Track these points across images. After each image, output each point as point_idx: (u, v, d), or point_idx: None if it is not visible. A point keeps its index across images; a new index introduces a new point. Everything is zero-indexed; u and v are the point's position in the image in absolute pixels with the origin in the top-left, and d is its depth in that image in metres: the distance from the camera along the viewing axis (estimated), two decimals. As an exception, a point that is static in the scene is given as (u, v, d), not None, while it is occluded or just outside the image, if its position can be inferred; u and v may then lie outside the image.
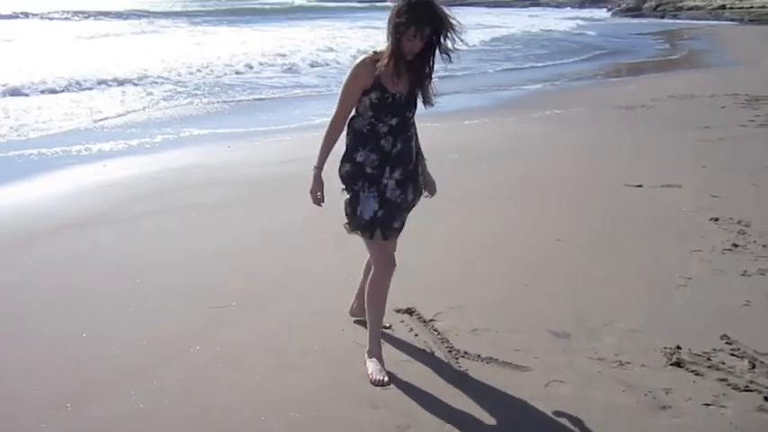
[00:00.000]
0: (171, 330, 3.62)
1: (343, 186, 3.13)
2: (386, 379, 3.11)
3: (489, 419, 2.87)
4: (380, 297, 3.16)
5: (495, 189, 6.33)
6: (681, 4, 55.98)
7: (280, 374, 3.19)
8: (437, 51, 2.91)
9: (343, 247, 4.42)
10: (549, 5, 79.28)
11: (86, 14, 36.52)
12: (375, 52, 2.98)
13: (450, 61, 2.95)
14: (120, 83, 13.55)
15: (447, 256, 4.68)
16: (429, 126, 8.74)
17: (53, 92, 12.37)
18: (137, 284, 4.20)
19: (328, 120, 3.09)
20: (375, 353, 3.23)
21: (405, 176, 3.10)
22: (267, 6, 54.78)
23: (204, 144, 8.55)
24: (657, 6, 57.92)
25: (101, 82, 13.41)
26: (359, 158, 3.05)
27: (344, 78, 3.00)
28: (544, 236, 5.02)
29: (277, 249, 4.85)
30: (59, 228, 5.23)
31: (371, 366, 3.18)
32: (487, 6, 78.74)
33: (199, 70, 15.49)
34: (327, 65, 17.33)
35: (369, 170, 3.04)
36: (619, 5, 65.28)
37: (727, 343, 3.43)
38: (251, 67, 16.40)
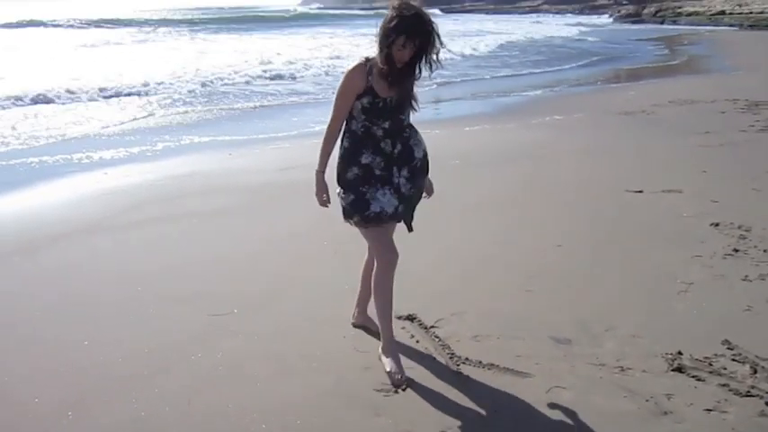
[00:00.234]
0: (172, 337, 3.62)
1: (343, 189, 3.17)
2: (402, 378, 3.14)
3: (491, 426, 2.86)
4: (388, 289, 3.22)
5: (496, 195, 6.34)
6: (680, 10, 56.14)
7: (281, 381, 3.19)
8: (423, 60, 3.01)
9: (343, 254, 4.43)
10: (549, 12, 79.55)
11: (88, 23, 36.61)
12: (367, 59, 3.06)
13: (431, 71, 3.06)
14: (121, 91, 13.60)
15: (448, 263, 4.68)
16: (429, 133, 8.81)
17: (52, 102, 12.37)
18: (138, 292, 4.21)
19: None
20: (391, 350, 3.26)
21: (413, 173, 3.20)
22: (268, 14, 54.98)
23: (204, 151, 8.57)
24: (657, 12, 58.09)
25: (102, 90, 13.46)
26: (364, 161, 3.12)
27: (338, 84, 3.10)
28: (545, 242, 5.02)
29: (277, 256, 4.85)
30: (61, 235, 5.24)
31: (388, 363, 3.22)
32: (487, 13, 79.09)
33: (200, 78, 15.51)
34: (327, 74, 17.31)
35: (378, 172, 3.12)
36: (618, 11, 65.52)
37: (728, 348, 3.43)
38: (251, 76, 16.43)
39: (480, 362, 3.33)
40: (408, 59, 2.97)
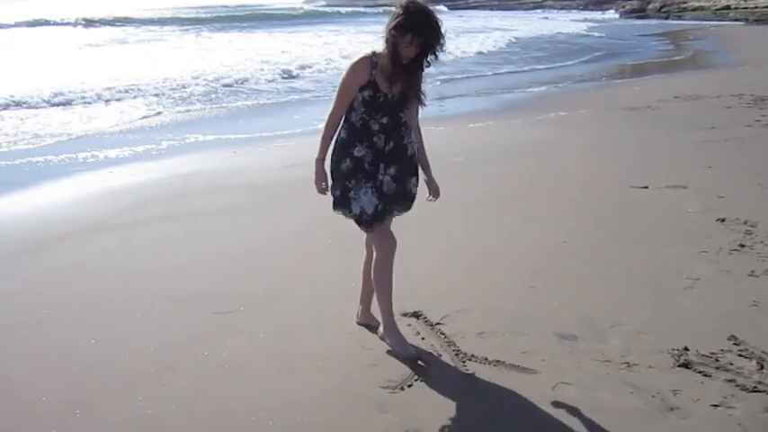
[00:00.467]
0: (178, 336, 3.63)
1: (333, 180, 3.23)
2: (414, 352, 3.25)
3: (497, 422, 2.86)
4: (388, 276, 3.30)
5: (501, 192, 6.33)
6: (685, 5, 55.89)
7: (286, 379, 3.20)
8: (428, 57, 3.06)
9: (347, 252, 4.42)
10: (553, 8, 79.28)
11: (91, 22, 36.66)
12: (374, 52, 3.09)
13: (429, 65, 3.10)
14: (125, 90, 13.59)
15: (453, 260, 4.68)
16: (434, 129, 8.81)
17: (62, 102, 12.34)
18: (143, 290, 4.22)
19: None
20: (391, 325, 3.36)
21: (400, 172, 3.22)
22: (276, 12, 54.92)
23: (209, 150, 8.58)
24: (662, 7, 57.84)
25: (106, 89, 13.45)
26: (357, 153, 3.16)
27: (342, 74, 3.15)
28: (550, 238, 5.02)
29: (282, 254, 4.86)
30: (66, 234, 5.26)
31: (392, 342, 3.32)
32: (491, 9, 78.83)
33: (204, 77, 15.51)
34: (332, 69, 17.30)
35: (366, 166, 3.17)
36: (623, 6, 65.27)
37: (734, 344, 3.42)
38: (255, 74, 16.41)
39: (486, 358, 3.33)
40: (414, 56, 3.01)
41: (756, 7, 46.78)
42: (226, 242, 5.12)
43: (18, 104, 11.91)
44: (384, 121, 3.14)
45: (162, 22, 39.72)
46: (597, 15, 59.11)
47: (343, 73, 3.14)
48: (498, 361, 3.31)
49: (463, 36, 27.88)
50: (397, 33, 2.94)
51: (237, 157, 8.11)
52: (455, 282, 4.29)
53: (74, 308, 4.01)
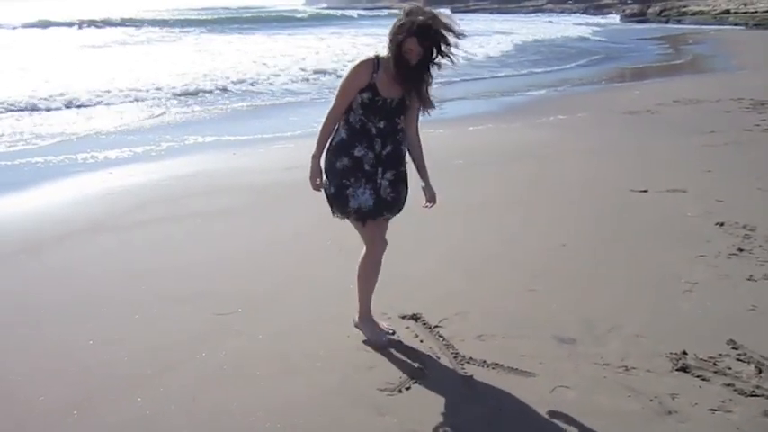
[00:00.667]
0: (177, 337, 3.63)
1: (329, 178, 3.25)
2: (386, 340, 3.37)
3: (495, 425, 2.87)
4: (373, 275, 3.42)
5: (501, 195, 6.34)
6: (685, 9, 56.06)
7: (285, 380, 3.20)
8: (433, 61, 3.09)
9: (347, 253, 4.42)
10: (553, 11, 79.46)
11: (90, 23, 36.65)
12: (377, 56, 3.12)
13: (439, 68, 3.13)
14: (125, 92, 13.58)
15: (452, 262, 4.68)
16: (434, 132, 8.83)
17: (63, 105, 12.29)
18: (143, 291, 4.22)
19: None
20: (366, 314, 3.48)
21: (396, 177, 3.26)
22: (274, 14, 54.97)
23: (208, 151, 8.58)
24: (662, 12, 58.01)
25: (105, 92, 13.43)
26: (357, 153, 3.18)
27: (344, 75, 3.17)
28: (549, 241, 5.02)
29: (282, 256, 4.86)
30: (66, 235, 5.26)
31: (366, 329, 3.44)
32: (491, 13, 78.99)
33: (203, 78, 15.52)
34: (330, 73, 17.28)
35: (366, 167, 3.18)
36: (623, 10, 65.42)
37: (733, 348, 3.42)
38: (258, 76, 16.39)
39: (485, 361, 3.33)
40: (417, 62, 3.02)
41: (756, 12, 46.89)
42: (225, 243, 5.12)
43: (17, 106, 11.85)
44: (381, 125, 3.16)
45: (162, 23, 39.73)
46: (600, 20, 59.31)
47: (345, 74, 3.17)
48: (497, 364, 3.31)
49: (468, 40, 27.93)
50: (400, 37, 2.96)
51: (237, 158, 8.11)
52: (454, 284, 4.30)
53: (73, 308, 4.01)
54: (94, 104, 12.45)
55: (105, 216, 5.75)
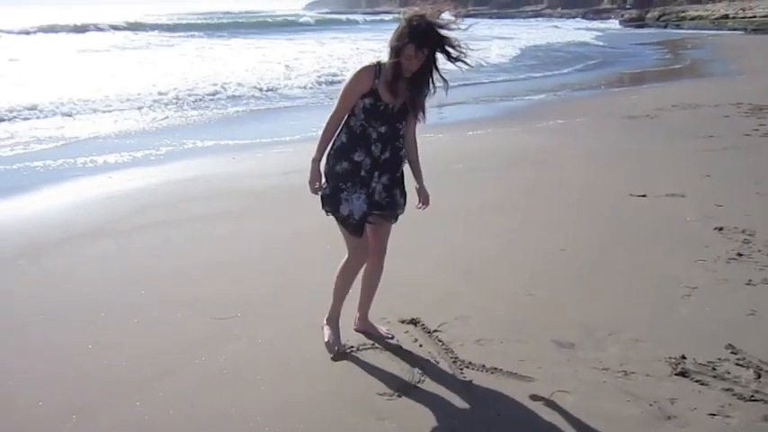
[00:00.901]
0: (176, 341, 3.63)
1: (327, 179, 3.25)
2: (340, 349, 3.38)
3: (494, 430, 2.86)
4: (350, 280, 3.44)
5: (500, 199, 6.34)
6: (684, 14, 56.16)
7: (284, 384, 3.20)
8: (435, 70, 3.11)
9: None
10: (552, 16, 79.65)
11: (90, 28, 36.68)
12: (379, 63, 3.13)
13: (446, 82, 3.17)
14: (124, 96, 13.60)
15: (451, 267, 4.68)
16: (433, 137, 8.84)
17: (65, 112, 12.26)
18: (142, 295, 4.22)
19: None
20: (333, 319, 3.50)
21: (391, 182, 3.27)
22: (271, 20, 55.02)
23: (207, 156, 8.59)
24: (660, 17, 58.14)
25: (105, 97, 13.44)
26: (357, 158, 3.19)
27: (346, 80, 3.19)
28: (548, 246, 5.02)
29: (281, 260, 4.86)
30: (65, 239, 5.26)
31: (327, 333, 3.46)
32: (490, 18, 79.13)
33: (204, 83, 15.54)
34: (330, 80, 17.29)
35: (363, 173, 3.19)
36: (622, 15, 65.55)
37: (732, 353, 3.42)
38: (259, 83, 16.42)
39: (484, 366, 3.33)
40: (418, 69, 3.03)
41: (755, 17, 47.01)
42: (225, 247, 5.12)
43: (17, 111, 11.82)
44: (382, 130, 3.16)
45: (164, 28, 39.77)
46: (600, 25, 59.55)
47: (347, 79, 3.18)
48: (496, 368, 3.31)
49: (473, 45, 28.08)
50: (399, 45, 2.96)
51: (236, 162, 8.12)
52: (453, 289, 4.30)
53: (72, 312, 4.01)
54: (94, 110, 12.44)
55: (105, 220, 5.75)
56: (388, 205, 3.28)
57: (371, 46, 26.96)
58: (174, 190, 6.78)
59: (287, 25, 48.98)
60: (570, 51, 28.27)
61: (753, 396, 3.03)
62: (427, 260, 4.70)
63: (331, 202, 3.23)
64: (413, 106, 3.16)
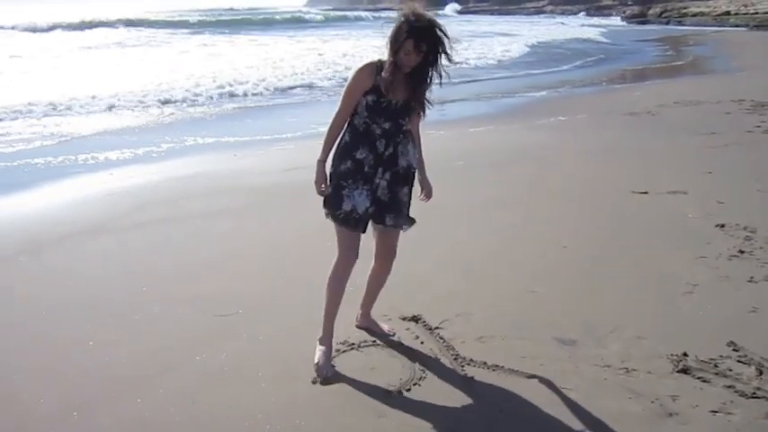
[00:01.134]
0: (177, 338, 3.62)
1: (331, 180, 3.24)
2: (328, 375, 3.21)
3: (496, 427, 2.86)
4: (339, 286, 3.32)
5: (501, 196, 6.33)
6: (685, 11, 56.06)
7: (285, 382, 3.19)
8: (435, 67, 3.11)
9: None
10: (553, 13, 79.55)
11: (89, 25, 36.60)
12: (380, 60, 3.13)
13: (442, 79, 3.15)
14: (126, 93, 13.55)
15: (453, 264, 4.68)
16: (434, 133, 8.83)
17: (69, 106, 12.21)
18: (143, 292, 4.22)
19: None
20: (326, 339, 3.35)
21: (395, 178, 3.24)
22: (287, 16, 54.94)
23: (208, 153, 8.58)
24: (662, 13, 58.04)
25: (108, 94, 13.37)
26: (359, 156, 3.18)
27: (348, 79, 3.18)
28: (550, 243, 5.02)
29: (282, 257, 4.86)
30: (66, 236, 5.26)
31: (319, 354, 3.29)
32: (491, 14, 79.03)
33: (205, 80, 15.52)
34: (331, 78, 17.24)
35: (366, 169, 3.18)
36: (624, 12, 65.46)
37: (734, 350, 3.42)
38: (262, 79, 16.39)
39: (485, 363, 3.33)
40: (417, 65, 3.04)
41: (756, 13, 46.90)
42: (226, 245, 5.12)
43: (18, 109, 11.77)
44: (386, 126, 3.16)
45: (165, 25, 39.72)
46: (604, 21, 59.52)
47: (349, 77, 3.18)
48: (497, 365, 3.30)
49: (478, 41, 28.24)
50: (398, 41, 2.97)
51: (237, 159, 8.11)
52: (454, 286, 4.29)
53: (73, 309, 4.01)
54: (94, 106, 12.38)
55: (105, 217, 5.75)
56: (391, 203, 3.25)
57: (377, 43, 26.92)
58: (174, 187, 6.78)
59: (294, 22, 48.90)
60: (577, 48, 28.28)
61: (755, 393, 3.03)
62: (428, 257, 4.69)
63: (333, 201, 3.21)
64: (415, 101, 3.16)
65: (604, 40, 34.80)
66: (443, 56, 3.06)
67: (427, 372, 3.27)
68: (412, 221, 3.36)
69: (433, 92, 3.23)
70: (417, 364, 3.34)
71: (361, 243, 3.29)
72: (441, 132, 9.30)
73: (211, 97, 13.75)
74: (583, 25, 50.65)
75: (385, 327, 3.67)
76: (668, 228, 5.30)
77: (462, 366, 3.31)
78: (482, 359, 3.36)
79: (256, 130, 10.32)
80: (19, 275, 4.58)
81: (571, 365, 3.30)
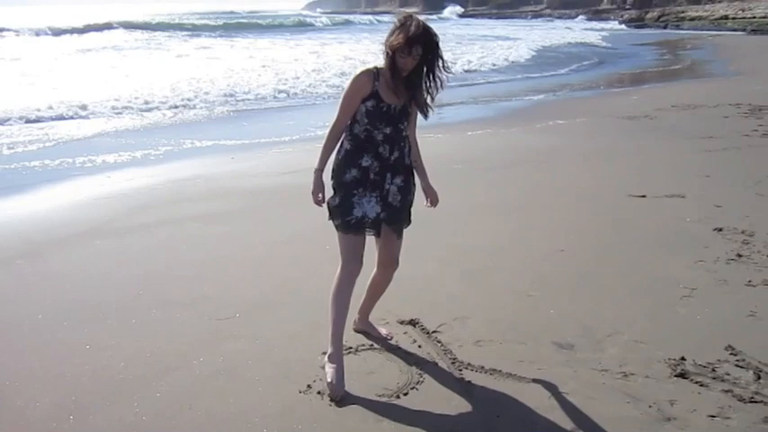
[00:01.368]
0: (174, 341, 3.62)
1: (335, 190, 3.22)
2: (340, 392, 3.08)
3: (493, 431, 2.85)
4: (345, 299, 3.24)
5: (499, 199, 6.33)
6: (683, 15, 56.19)
7: (283, 386, 3.18)
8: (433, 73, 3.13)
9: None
10: (551, 17, 79.74)
11: (88, 28, 36.56)
12: (376, 67, 3.15)
13: (441, 83, 3.16)
14: (124, 96, 13.53)
15: (450, 267, 4.68)
16: (433, 137, 8.84)
17: (68, 108, 12.16)
18: (140, 295, 4.21)
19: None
20: (336, 356, 3.20)
21: (404, 183, 3.25)
22: (292, 18, 54.91)
23: (206, 155, 8.59)
24: (660, 17, 58.18)
25: (108, 97, 13.35)
26: (364, 164, 3.17)
27: (345, 87, 3.18)
28: (548, 246, 5.01)
29: (280, 260, 4.85)
30: (64, 239, 5.25)
31: (331, 373, 3.13)
32: (489, 18, 79.20)
33: (202, 85, 15.51)
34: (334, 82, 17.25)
35: (372, 176, 3.17)
36: (621, 16, 65.62)
37: (731, 354, 3.41)
38: (255, 80, 16.42)
39: (483, 367, 3.32)
40: (413, 68, 3.06)
41: (754, 17, 47.01)
42: (223, 248, 5.11)
43: (17, 112, 11.70)
44: (387, 131, 3.15)
45: (163, 27, 39.70)
46: (604, 25, 59.69)
47: (346, 85, 3.16)
48: (495, 370, 3.30)
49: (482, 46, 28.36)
50: (394, 45, 3.00)
51: (236, 162, 8.11)
52: (452, 290, 4.29)
53: (70, 312, 3.99)
54: (92, 109, 12.35)
55: (103, 220, 5.74)
56: (402, 208, 3.25)
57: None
58: (172, 190, 6.77)
59: (299, 26, 48.97)
60: (581, 52, 28.38)
61: (753, 398, 3.02)
62: (426, 261, 4.69)
63: (342, 210, 3.17)
64: (416, 105, 3.17)
65: (606, 44, 34.90)
66: (440, 60, 3.08)
67: (425, 376, 3.26)
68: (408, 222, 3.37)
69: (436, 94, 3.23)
70: (415, 368, 3.34)
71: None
72: (439, 136, 9.31)
73: (209, 100, 13.74)
74: (585, 29, 50.81)
75: (383, 330, 3.67)
76: (666, 231, 5.30)
77: (460, 370, 3.31)
78: (480, 363, 3.35)
79: (254, 133, 10.33)
80: (16, 278, 4.56)
81: (569, 370, 3.30)
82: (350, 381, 3.20)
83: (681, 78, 18.62)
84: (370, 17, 66.90)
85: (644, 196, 6.23)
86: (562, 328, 3.72)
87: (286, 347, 3.55)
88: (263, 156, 8.55)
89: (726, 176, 6.91)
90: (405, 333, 3.69)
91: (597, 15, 75.85)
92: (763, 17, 46.27)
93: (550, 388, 3.13)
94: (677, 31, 48.11)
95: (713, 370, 3.26)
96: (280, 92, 15.18)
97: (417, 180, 3.39)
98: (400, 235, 3.33)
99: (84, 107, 12.28)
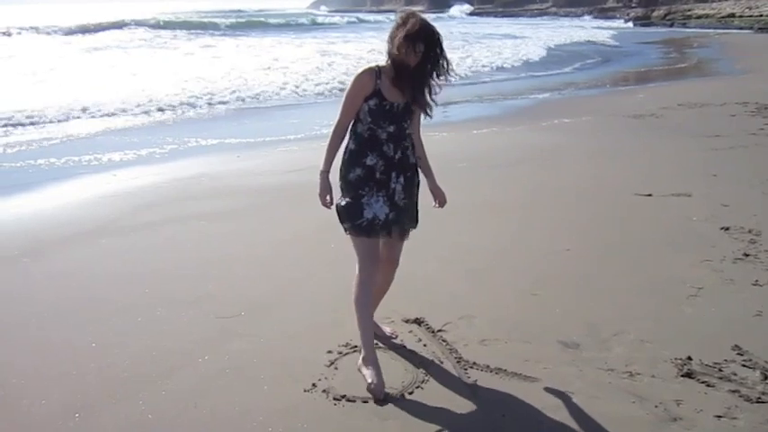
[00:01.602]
0: (179, 340, 3.62)
1: (343, 191, 3.22)
2: (382, 392, 3.07)
3: (498, 431, 2.85)
4: (368, 300, 3.24)
5: (504, 198, 6.32)
6: (690, 13, 55.98)
7: (287, 384, 3.18)
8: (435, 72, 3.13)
9: (351, 258, 4.41)
10: (557, 15, 79.61)
11: (95, 28, 36.61)
12: (378, 65, 3.15)
13: (445, 79, 3.16)
14: (132, 95, 13.53)
15: (455, 266, 4.67)
16: (437, 135, 8.83)
17: (72, 107, 12.16)
18: (145, 294, 4.21)
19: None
20: (371, 359, 3.19)
21: (408, 182, 3.24)
22: (302, 17, 54.91)
23: (212, 154, 8.60)
24: (666, 15, 57.97)
25: (109, 96, 13.38)
26: (369, 162, 3.16)
27: (347, 86, 3.18)
28: (553, 245, 5.00)
29: (285, 259, 4.85)
30: (69, 237, 5.26)
31: (370, 374, 3.12)
32: (495, 16, 79.11)
33: (207, 81, 15.53)
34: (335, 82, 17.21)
35: (378, 175, 3.16)
36: (627, 14, 65.43)
37: (738, 354, 3.40)
38: (261, 80, 16.40)
39: (488, 366, 3.31)
40: (416, 65, 3.06)
41: (761, 15, 46.75)
42: (228, 246, 5.11)
43: (21, 111, 11.69)
44: (391, 129, 3.15)
45: (168, 26, 39.72)
46: (612, 23, 59.60)
47: (349, 85, 3.16)
48: (500, 369, 3.29)
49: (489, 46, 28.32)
50: (397, 42, 3.00)
51: (241, 161, 8.11)
52: (457, 288, 4.28)
53: (75, 311, 4.01)
54: (98, 108, 12.34)
55: (108, 218, 5.75)
56: (407, 207, 3.24)
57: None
58: (178, 188, 6.78)
59: (312, 24, 49.03)
60: (587, 50, 28.32)
61: (759, 398, 3.01)
62: (431, 259, 4.68)
63: (352, 212, 3.16)
64: (417, 102, 3.16)
65: (616, 42, 34.83)
66: (443, 59, 3.08)
67: (430, 375, 3.26)
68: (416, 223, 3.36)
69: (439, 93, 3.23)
70: (420, 367, 3.33)
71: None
72: (444, 134, 9.30)
73: (214, 99, 13.74)
74: (594, 27, 50.73)
75: (387, 329, 3.66)
76: (672, 230, 5.28)
77: (465, 369, 3.30)
78: (485, 362, 3.34)
79: (260, 131, 10.32)
80: (22, 277, 4.58)
81: (574, 369, 3.29)
82: (355, 379, 3.20)
83: (687, 77, 18.54)
84: (376, 15, 66.80)
85: (650, 195, 6.21)
86: (567, 327, 3.71)
87: (291, 346, 3.55)
88: (268, 154, 8.55)
89: (732, 175, 6.88)
90: (410, 332, 3.68)
91: (603, 14, 75.62)
92: (771, 15, 46.06)
93: (556, 387, 3.13)
94: (684, 30, 47.92)
95: (720, 370, 3.25)
96: (283, 88, 15.16)
97: (423, 179, 3.38)
98: (406, 237, 3.33)
99: (89, 105, 12.27)
